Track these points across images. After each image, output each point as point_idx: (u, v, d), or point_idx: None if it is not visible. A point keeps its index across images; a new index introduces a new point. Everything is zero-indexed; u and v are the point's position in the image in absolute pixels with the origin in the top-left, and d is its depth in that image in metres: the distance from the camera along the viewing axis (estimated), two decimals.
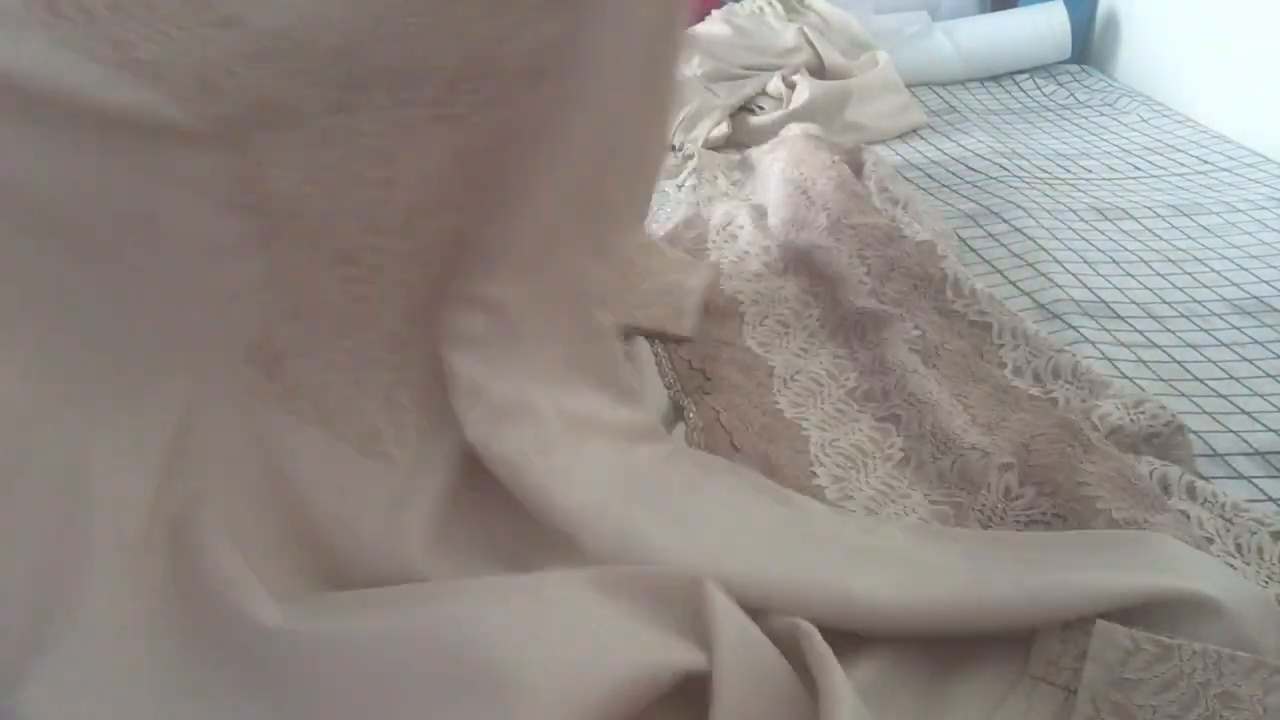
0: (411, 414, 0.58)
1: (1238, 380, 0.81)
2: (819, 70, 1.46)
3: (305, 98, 0.52)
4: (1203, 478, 0.65)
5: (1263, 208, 1.15)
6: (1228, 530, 0.60)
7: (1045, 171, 1.27)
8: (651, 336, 0.83)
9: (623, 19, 0.59)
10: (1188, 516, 0.59)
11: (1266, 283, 0.97)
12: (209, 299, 0.54)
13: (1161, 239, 1.08)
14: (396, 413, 0.58)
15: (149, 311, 0.53)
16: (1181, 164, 1.30)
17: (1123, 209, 1.15)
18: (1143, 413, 0.68)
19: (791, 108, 1.34)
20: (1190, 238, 1.08)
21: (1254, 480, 0.68)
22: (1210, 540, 0.58)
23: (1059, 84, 1.61)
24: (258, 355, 0.55)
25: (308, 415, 0.56)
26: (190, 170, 0.52)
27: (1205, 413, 0.76)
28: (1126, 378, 0.80)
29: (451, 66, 0.54)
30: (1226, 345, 0.87)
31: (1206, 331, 0.89)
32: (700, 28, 1.54)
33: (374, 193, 0.55)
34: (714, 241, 1.02)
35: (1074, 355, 0.78)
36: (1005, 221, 1.10)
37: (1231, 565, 0.56)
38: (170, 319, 0.54)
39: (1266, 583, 0.56)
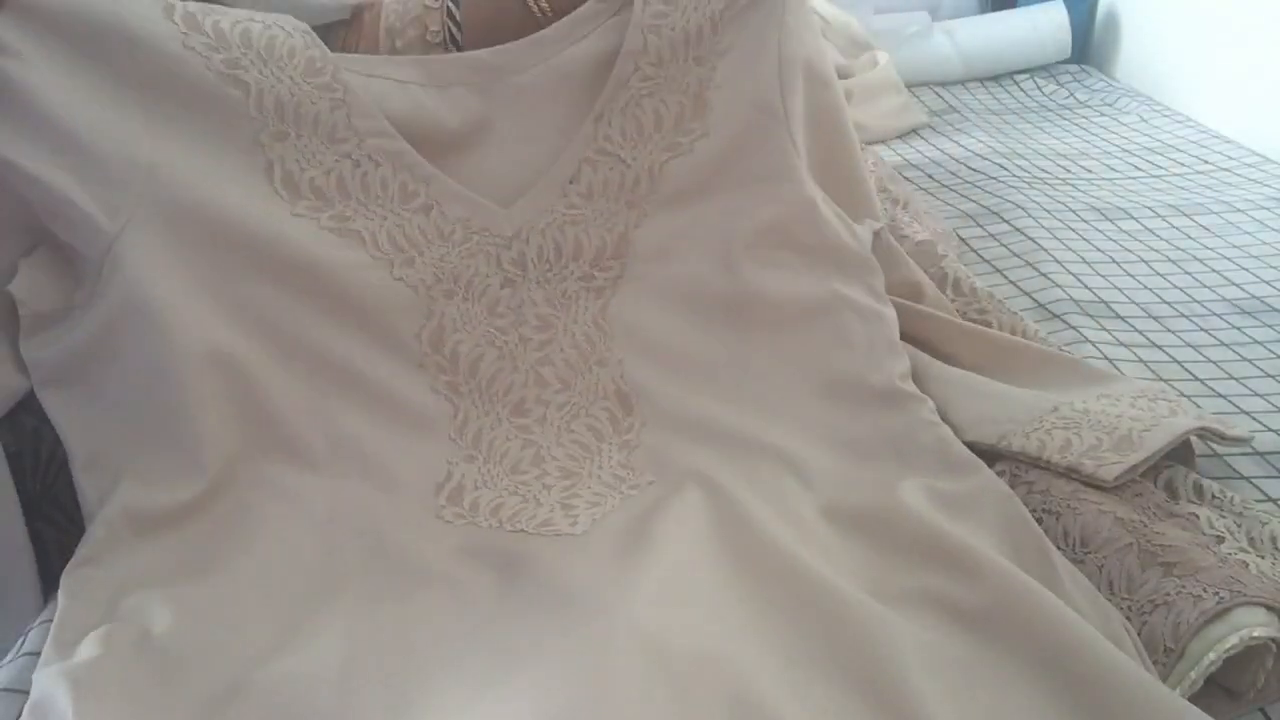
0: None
1: (1238, 380, 0.81)
2: None
3: (482, 273, 0.66)
4: (1207, 477, 0.65)
5: (1263, 208, 1.15)
6: (1239, 526, 0.60)
7: (1045, 171, 1.27)
8: None
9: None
10: (1197, 518, 0.59)
11: (1266, 283, 0.97)
12: (403, 448, 0.63)
13: (1161, 239, 1.08)
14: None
15: (350, 456, 0.62)
16: (1181, 164, 1.30)
17: (1123, 209, 1.15)
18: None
19: None
20: (1190, 238, 1.08)
21: (1254, 480, 0.68)
22: (1221, 539, 0.58)
23: (1059, 84, 1.61)
24: (441, 489, 0.63)
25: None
26: (392, 330, 0.64)
27: (1205, 413, 0.76)
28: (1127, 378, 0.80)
29: (594, 248, 0.69)
30: (1226, 345, 0.87)
31: (1206, 331, 0.89)
32: None
33: (537, 353, 0.67)
34: None
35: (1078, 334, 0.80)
36: (1005, 221, 1.10)
37: (1246, 561, 0.56)
38: (369, 463, 0.62)
39: None
